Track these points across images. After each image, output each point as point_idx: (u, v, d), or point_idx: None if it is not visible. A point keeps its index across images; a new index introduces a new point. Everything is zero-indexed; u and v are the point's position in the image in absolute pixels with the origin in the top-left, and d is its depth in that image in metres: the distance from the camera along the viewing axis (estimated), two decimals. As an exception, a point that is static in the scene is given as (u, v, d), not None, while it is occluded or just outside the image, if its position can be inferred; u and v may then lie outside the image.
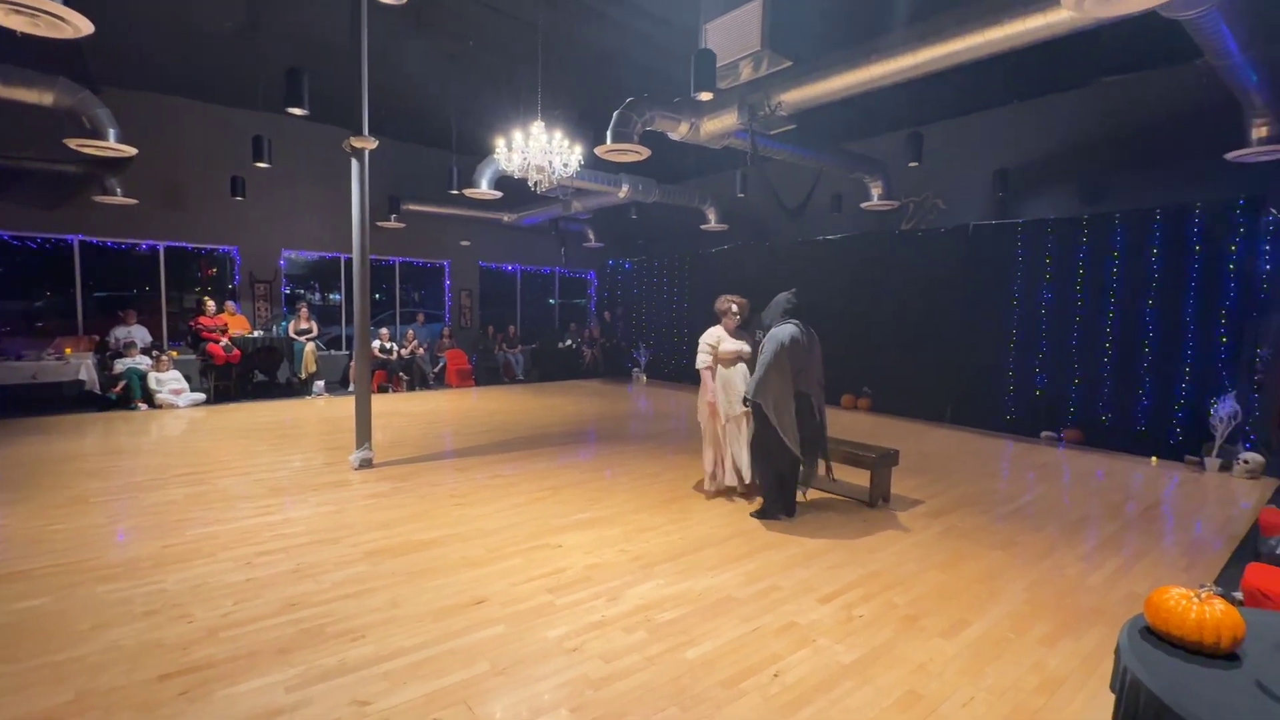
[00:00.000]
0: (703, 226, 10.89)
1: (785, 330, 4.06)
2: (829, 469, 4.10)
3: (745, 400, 4.05)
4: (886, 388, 8.51)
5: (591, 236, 12.99)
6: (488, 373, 11.60)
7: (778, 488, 4.00)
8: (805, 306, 4.15)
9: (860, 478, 4.77)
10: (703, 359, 4.52)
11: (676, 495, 4.46)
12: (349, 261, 10.76)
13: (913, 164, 7.68)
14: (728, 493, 4.43)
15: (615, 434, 6.60)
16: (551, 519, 3.94)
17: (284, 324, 9.67)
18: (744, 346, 4.53)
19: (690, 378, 12.25)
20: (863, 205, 8.68)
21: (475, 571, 3.23)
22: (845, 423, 7.74)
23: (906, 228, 8.93)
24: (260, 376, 9.45)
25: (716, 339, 4.58)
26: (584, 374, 12.79)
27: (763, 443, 3.99)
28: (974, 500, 4.47)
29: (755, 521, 3.95)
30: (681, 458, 5.61)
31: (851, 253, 8.91)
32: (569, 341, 13.17)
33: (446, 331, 11.65)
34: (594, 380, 12.63)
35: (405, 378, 10.18)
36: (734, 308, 4.65)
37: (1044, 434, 6.90)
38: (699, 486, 4.61)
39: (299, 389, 9.49)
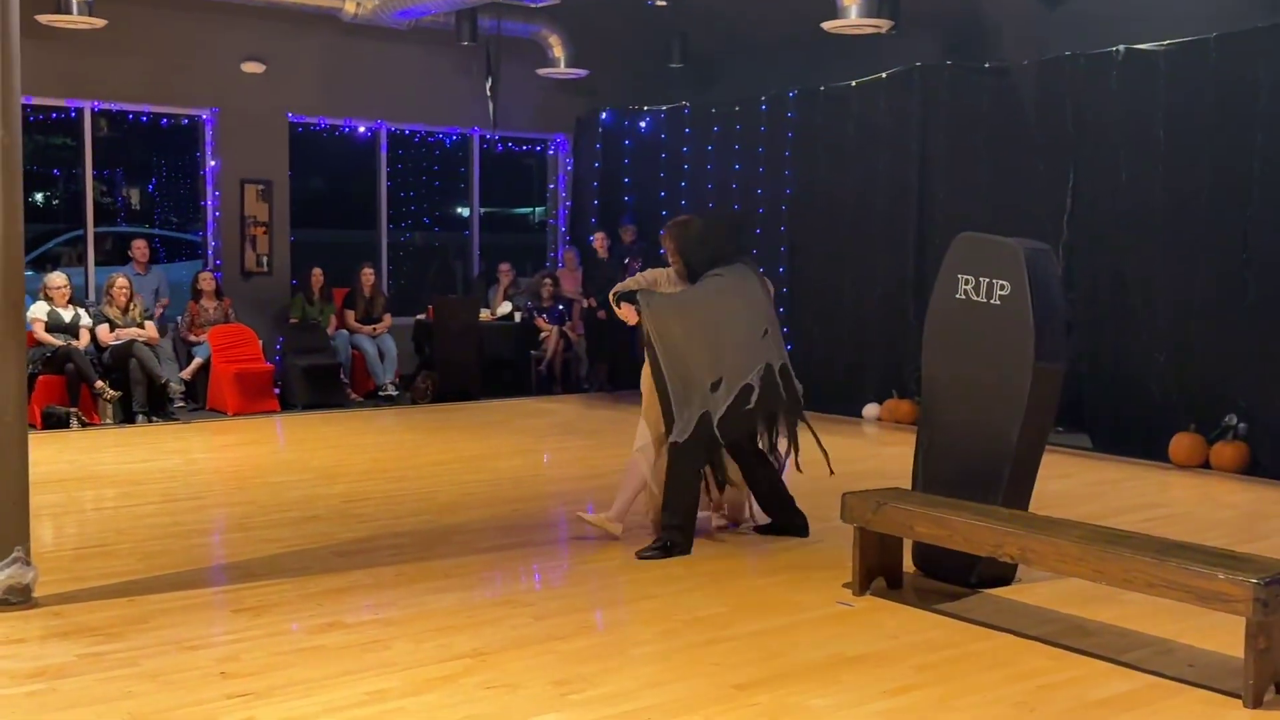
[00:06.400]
0: (828, 25, 10.87)
1: (740, 272, 6.44)
2: (793, 447, 6.36)
3: (615, 297, 6.36)
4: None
5: (558, 54, 13.09)
6: (315, 379, 11.77)
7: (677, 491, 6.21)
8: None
9: (1213, 633, 4.71)
10: (622, 287, 6.44)
11: (776, 670, 4.46)
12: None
13: None
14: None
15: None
16: (467, 729, 3.95)
17: None
18: None
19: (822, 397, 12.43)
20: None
21: None
22: (1182, 495, 7.68)
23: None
24: None
25: (653, 279, 6.54)
26: (543, 385, 13.00)
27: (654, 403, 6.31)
28: None
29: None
30: (781, 581, 5.64)
31: (1193, 82, 8.83)
32: (509, 308, 13.41)
33: (209, 282, 11.80)
34: (572, 396, 12.71)
35: (112, 394, 10.35)
36: (665, 240, 6.65)
37: None
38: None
39: None
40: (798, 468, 6.35)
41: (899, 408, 10.76)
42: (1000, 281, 5.46)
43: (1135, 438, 9.15)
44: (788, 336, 11.87)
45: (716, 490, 6.54)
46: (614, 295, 6.40)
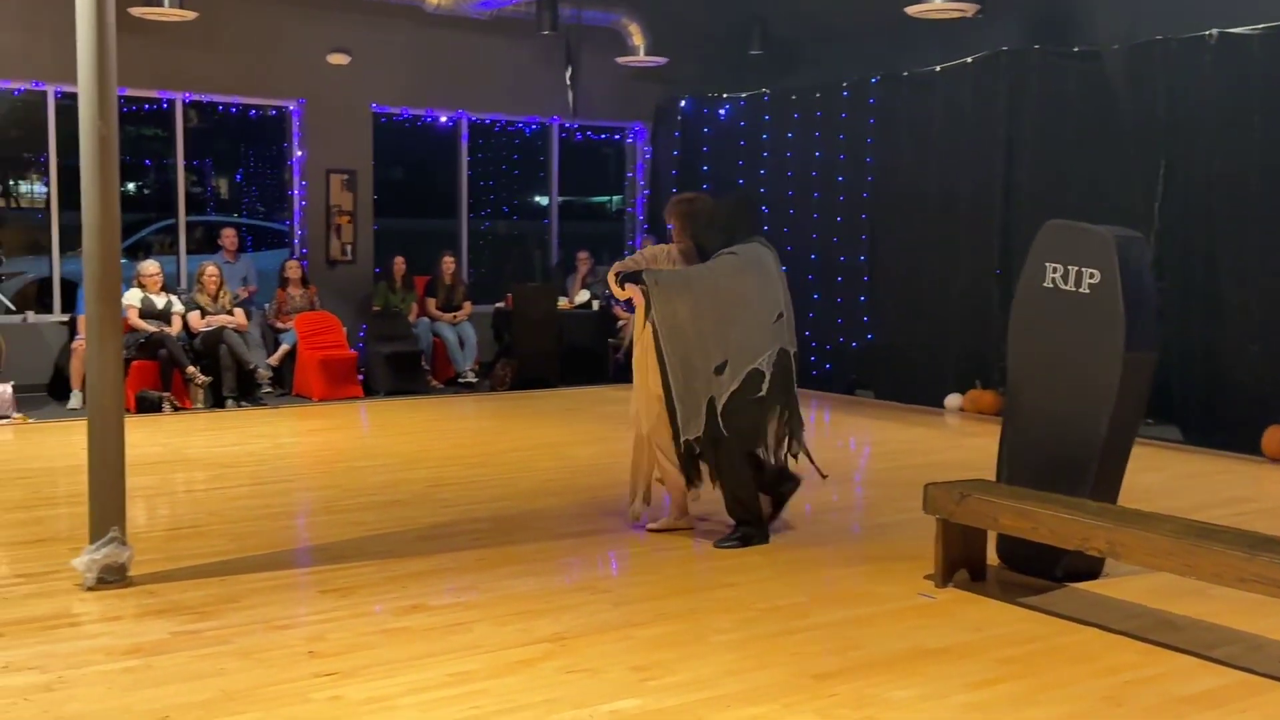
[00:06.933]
0: (912, 10, 10.77)
1: (756, 251, 6.15)
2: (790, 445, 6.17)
3: (618, 277, 6.17)
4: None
5: (637, 42, 13.10)
6: (397, 365, 11.94)
7: (730, 471, 6.04)
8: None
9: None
10: (621, 266, 6.33)
11: (856, 661, 4.46)
12: (66, 103, 11.20)
13: None
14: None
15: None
16: (552, 710, 3.99)
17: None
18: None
19: (902, 387, 12.33)
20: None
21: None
22: (1274, 489, 7.59)
23: None
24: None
25: (652, 256, 6.41)
26: (620, 373, 12.90)
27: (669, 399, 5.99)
28: None
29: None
30: (860, 571, 5.63)
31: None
32: (587, 296, 13.52)
33: (295, 270, 12.00)
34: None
35: (203, 379, 10.57)
36: (669, 218, 6.52)
37: None
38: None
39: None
40: (794, 458, 6.23)
41: (982, 398, 10.64)
42: (1090, 270, 5.38)
43: (1227, 430, 8.97)
44: (868, 326, 11.94)
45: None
46: (616, 275, 6.21)
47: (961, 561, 5.43)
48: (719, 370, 5.88)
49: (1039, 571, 5.50)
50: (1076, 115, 10.04)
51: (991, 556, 5.63)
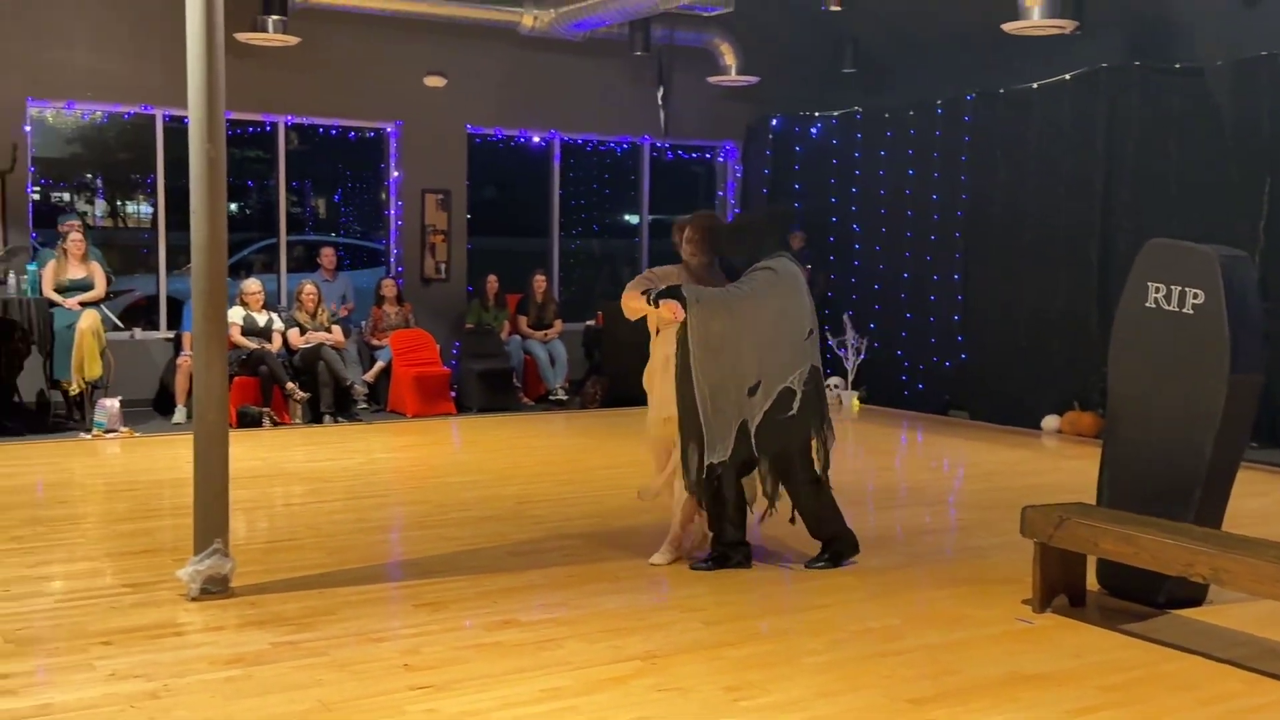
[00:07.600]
0: (1009, 26, 10.67)
1: (789, 267, 6.02)
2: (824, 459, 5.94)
3: (652, 297, 5.82)
4: None
5: (729, 61, 13.14)
6: (489, 382, 12.07)
7: (713, 501, 5.95)
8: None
9: None
10: (637, 284, 6.11)
11: (951, 686, 4.40)
12: (174, 126, 11.48)
13: None
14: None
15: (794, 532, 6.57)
16: (639, 731, 3.99)
17: (32, 269, 10.47)
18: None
19: (998, 408, 12.17)
20: None
21: None
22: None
23: None
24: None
25: (664, 275, 6.20)
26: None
27: (686, 408, 5.83)
28: None
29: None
30: (956, 594, 5.55)
31: None
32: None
33: (391, 288, 12.19)
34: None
35: (302, 395, 10.77)
36: (688, 233, 6.29)
37: None
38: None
39: (66, 415, 10.26)
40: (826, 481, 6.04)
41: (1080, 420, 10.44)
42: (1194, 290, 5.27)
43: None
44: (962, 345, 11.80)
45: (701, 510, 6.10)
46: (647, 293, 5.86)
47: (1060, 586, 5.33)
48: (752, 391, 5.80)
49: (1141, 598, 5.39)
50: (1179, 132, 9.86)
51: (1091, 581, 5.52)
